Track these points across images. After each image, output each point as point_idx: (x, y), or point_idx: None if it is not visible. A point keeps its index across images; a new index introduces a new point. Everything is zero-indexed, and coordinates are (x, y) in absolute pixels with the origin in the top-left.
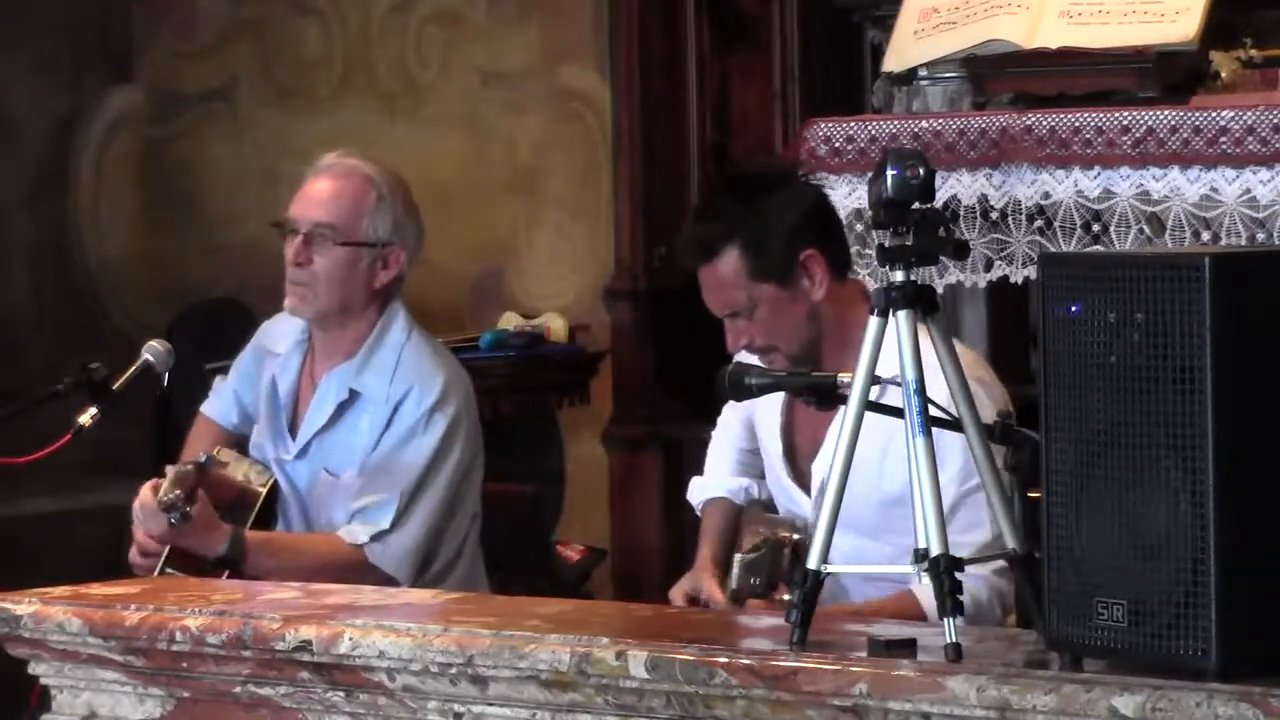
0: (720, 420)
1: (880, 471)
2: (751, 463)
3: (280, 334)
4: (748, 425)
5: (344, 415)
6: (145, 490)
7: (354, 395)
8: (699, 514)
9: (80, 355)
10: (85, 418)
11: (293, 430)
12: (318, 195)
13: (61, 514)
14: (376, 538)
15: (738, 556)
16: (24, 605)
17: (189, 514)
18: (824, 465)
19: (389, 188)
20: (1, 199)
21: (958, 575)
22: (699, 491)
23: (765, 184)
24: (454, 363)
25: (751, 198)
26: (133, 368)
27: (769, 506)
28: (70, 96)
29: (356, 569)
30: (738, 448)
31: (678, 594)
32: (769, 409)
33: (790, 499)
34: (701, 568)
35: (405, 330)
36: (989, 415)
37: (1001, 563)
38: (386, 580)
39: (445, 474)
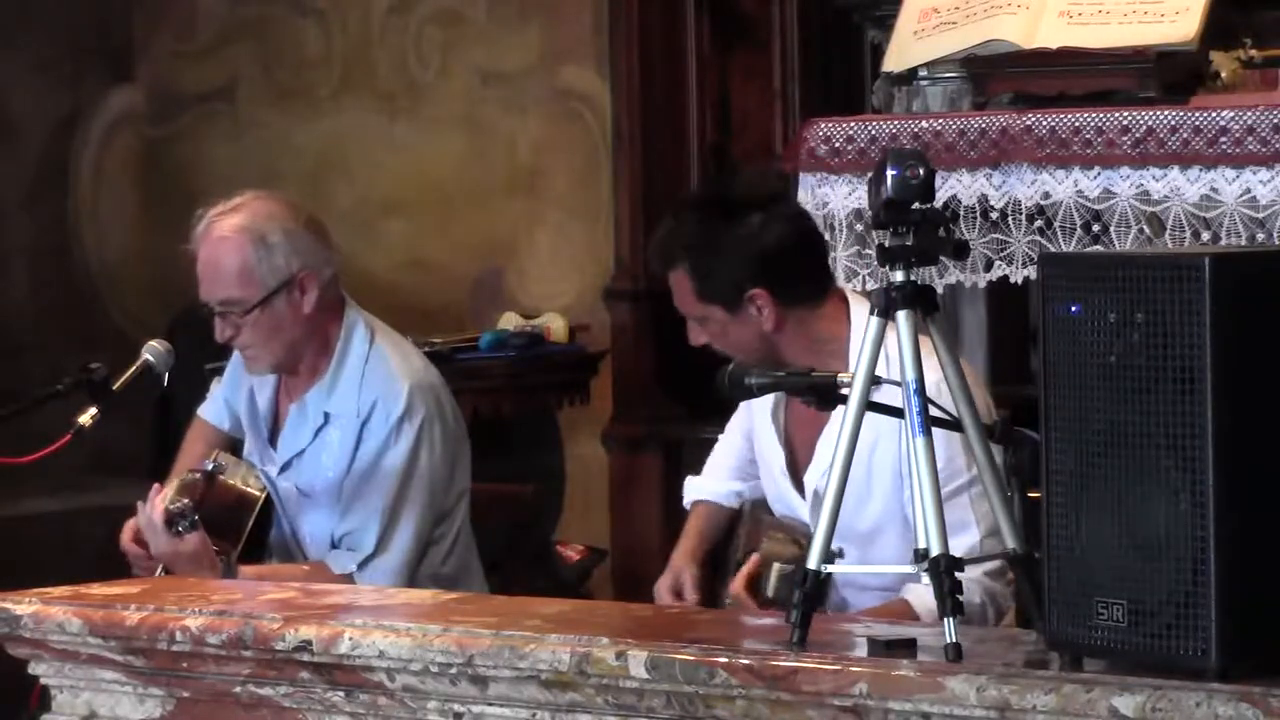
0: (729, 424)
1: (867, 493)
2: (749, 470)
3: None
4: (748, 436)
5: (318, 436)
6: (156, 503)
7: (328, 418)
8: (689, 510)
9: (80, 355)
10: (85, 418)
11: (273, 443)
12: (208, 274)
13: (61, 514)
14: (363, 564)
15: (776, 566)
16: (24, 605)
17: (196, 522)
18: (818, 472)
19: (263, 229)
20: (1, 199)
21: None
22: (690, 491)
23: (736, 209)
24: (419, 365)
25: (716, 220)
26: (133, 368)
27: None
28: (70, 96)
29: None
30: (737, 453)
31: (664, 587)
32: (766, 421)
33: (789, 507)
34: (680, 564)
35: (366, 340)
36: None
37: (995, 564)
38: None
39: (422, 484)
